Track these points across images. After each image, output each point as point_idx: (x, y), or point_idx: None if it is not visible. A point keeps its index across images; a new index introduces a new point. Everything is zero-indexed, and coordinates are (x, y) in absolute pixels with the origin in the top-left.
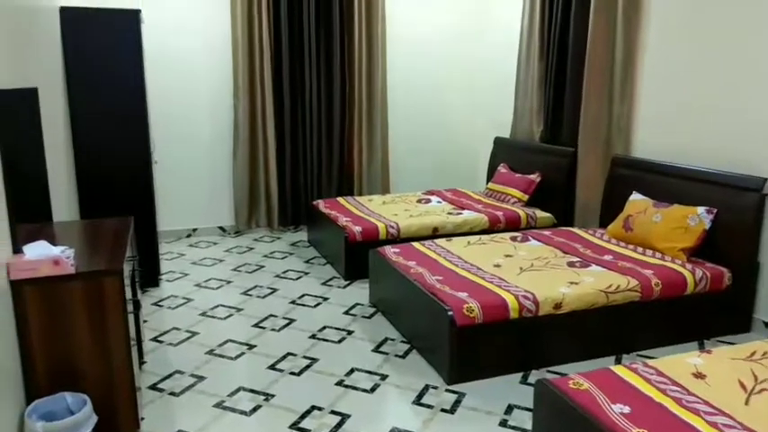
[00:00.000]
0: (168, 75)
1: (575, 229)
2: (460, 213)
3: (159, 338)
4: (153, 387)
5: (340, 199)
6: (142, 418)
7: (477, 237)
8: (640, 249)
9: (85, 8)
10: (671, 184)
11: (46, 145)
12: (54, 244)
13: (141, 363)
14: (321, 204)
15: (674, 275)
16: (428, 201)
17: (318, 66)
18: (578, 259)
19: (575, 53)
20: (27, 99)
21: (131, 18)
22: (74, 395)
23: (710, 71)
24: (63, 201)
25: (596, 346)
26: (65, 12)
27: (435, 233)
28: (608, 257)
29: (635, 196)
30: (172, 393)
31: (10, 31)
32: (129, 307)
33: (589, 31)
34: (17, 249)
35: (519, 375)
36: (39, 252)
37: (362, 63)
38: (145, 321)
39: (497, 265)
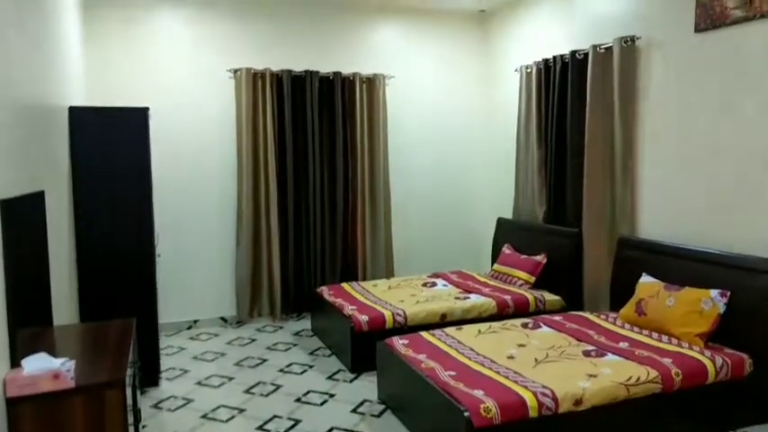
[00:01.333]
0: (173, 165)
1: (586, 314)
2: (468, 298)
3: None
4: None
5: (344, 285)
6: None
7: (488, 324)
8: (656, 335)
9: (94, 107)
10: (680, 265)
11: (50, 246)
12: (54, 352)
13: None
14: (325, 291)
15: (695, 364)
16: (434, 284)
17: (321, 152)
18: (593, 348)
19: (573, 140)
20: (34, 203)
21: (139, 116)
22: None
23: (715, 155)
24: (64, 301)
25: None
26: (73, 111)
27: (443, 320)
28: (624, 345)
29: (645, 278)
30: None
31: (21, 135)
32: (130, 417)
33: (587, 122)
34: (15, 363)
35: None
36: (38, 366)
37: (365, 148)
38: (144, 426)
39: (511, 357)
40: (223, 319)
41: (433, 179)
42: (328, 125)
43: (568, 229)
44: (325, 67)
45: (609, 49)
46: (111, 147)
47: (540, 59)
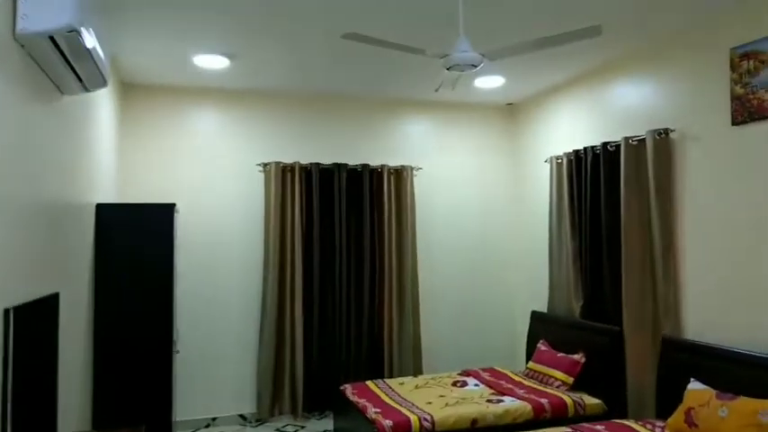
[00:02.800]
0: (199, 258)
1: (630, 422)
2: (501, 401)
3: None
4: None
5: (369, 383)
6: None
7: None
8: None
9: (120, 204)
10: (733, 371)
11: (61, 349)
12: None
13: None
14: (349, 390)
15: None
16: (464, 383)
17: (348, 243)
18: None
19: (608, 232)
20: (46, 307)
21: (166, 212)
22: None
23: (759, 249)
24: (74, 404)
25: None
26: (100, 208)
27: (474, 426)
28: None
29: (694, 385)
30: None
31: (40, 235)
32: None
33: (622, 214)
34: None
35: None
36: None
37: (392, 240)
38: None
39: None
40: (242, 416)
41: (463, 271)
42: (356, 216)
43: (608, 326)
44: (353, 159)
45: (642, 141)
46: (135, 242)
47: (571, 150)
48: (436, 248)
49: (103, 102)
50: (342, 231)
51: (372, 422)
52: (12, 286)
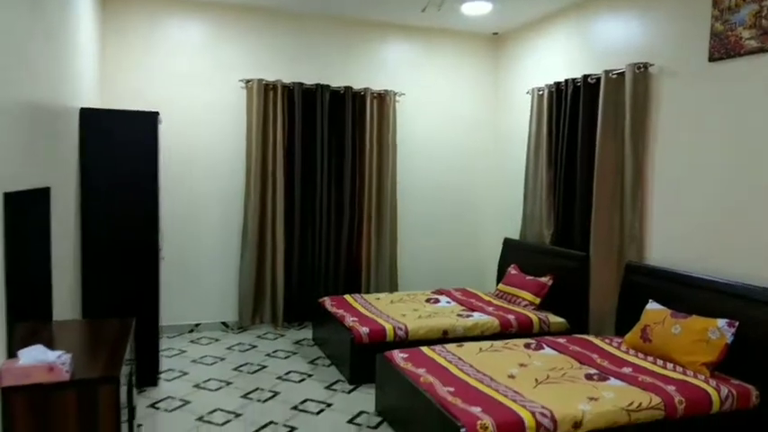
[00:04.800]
0: (181, 170)
1: (590, 338)
2: (471, 316)
3: None
4: None
5: (347, 297)
6: None
7: (489, 343)
8: (660, 362)
9: (104, 109)
10: (688, 294)
11: (53, 242)
12: (52, 347)
13: None
14: (328, 302)
15: (699, 393)
16: (437, 301)
17: (330, 165)
18: (596, 371)
19: (583, 164)
20: (39, 199)
21: (150, 120)
22: None
23: (725, 184)
24: (66, 297)
25: None
26: (84, 112)
27: (445, 336)
28: (627, 370)
29: (652, 305)
30: None
31: (29, 134)
32: (124, 415)
33: (597, 146)
34: (12, 354)
35: None
36: (34, 357)
37: (373, 163)
38: (139, 425)
39: (511, 376)
40: (225, 324)
41: (441, 196)
42: (337, 139)
43: (576, 252)
44: (336, 80)
45: (621, 74)
46: (120, 148)
47: (552, 82)
48: (415, 174)
49: (86, 9)
50: (324, 152)
51: (349, 330)
52: (8, 174)
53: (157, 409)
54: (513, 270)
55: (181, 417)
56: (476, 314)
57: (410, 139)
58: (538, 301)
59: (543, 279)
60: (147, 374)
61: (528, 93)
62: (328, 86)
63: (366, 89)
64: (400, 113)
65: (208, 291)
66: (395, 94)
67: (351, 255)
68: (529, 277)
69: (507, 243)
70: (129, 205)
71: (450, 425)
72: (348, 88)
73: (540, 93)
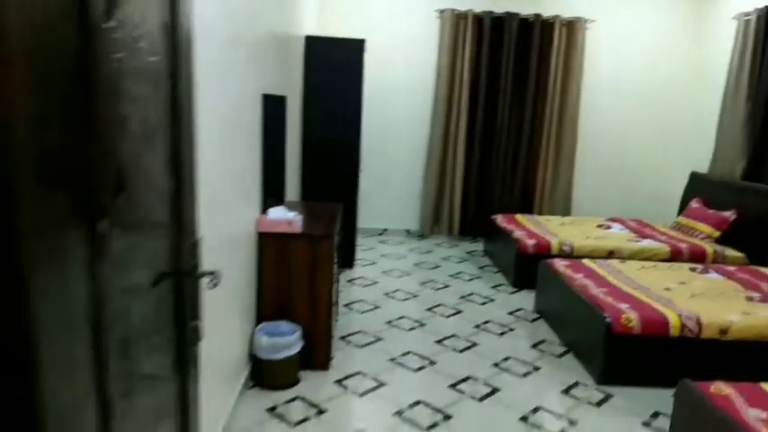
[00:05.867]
0: (377, 94)
1: (765, 270)
2: (640, 242)
3: (349, 306)
4: (342, 338)
5: (518, 216)
6: (332, 357)
7: (654, 263)
8: None
9: (322, 37)
10: None
11: (287, 140)
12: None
13: (335, 319)
14: (499, 218)
15: None
16: (609, 227)
17: (513, 89)
18: (759, 295)
19: None
20: (278, 104)
21: (357, 46)
22: (289, 324)
23: None
24: (291, 183)
25: (758, 376)
26: (308, 39)
27: (610, 257)
28: None
29: None
30: (356, 345)
31: (275, 54)
32: (334, 269)
33: None
34: (264, 211)
35: (672, 391)
36: (278, 214)
37: (557, 89)
38: (339, 291)
39: (668, 289)
40: (407, 231)
41: (626, 127)
42: (522, 67)
43: (766, 187)
44: (525, 8)
45: None
46: (334, 69)
47: (762, 6)
48: (600, 103)
49: None
50: (507, 80)
51: (516, 241)
52: (265, 82)
53: (353, 284)
54: (695, 204)
55: (371, 291)
56: (646, 240)
57: (597, 68)
58: (717, 234)
59: (726, 213)
60: (346, 260)
61: (734, 18)
62: (517, 14)
63: (555, 17)
64: (589, 41)
65: (395, 201)
66: (585, 21)
67: (526, 178)
68: (711, 211)
69: (694, 177)
70: (338, 118)
71: (597, 317)
72: (537, 16)
73: (748, 18)
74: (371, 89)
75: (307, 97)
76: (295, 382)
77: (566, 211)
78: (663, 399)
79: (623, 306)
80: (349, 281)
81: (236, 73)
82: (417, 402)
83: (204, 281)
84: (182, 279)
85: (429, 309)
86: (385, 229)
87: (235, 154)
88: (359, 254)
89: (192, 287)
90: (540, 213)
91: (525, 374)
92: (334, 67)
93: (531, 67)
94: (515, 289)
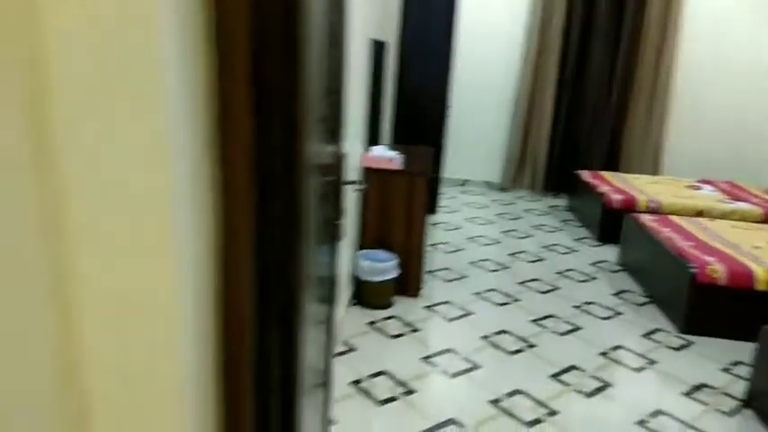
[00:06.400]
0: (469, 45)
1: None
2: (732, 204)
3: (434, 246)
4: (429, 272)
5: (605, 173)
6: (421, 287)
7: (746, 224)
8: None
9: None
10: None
11: (385, 85)
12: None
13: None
14: (585, 174)
15: None
16: (699, 188)
17: (606, 41)
18: None
19: None
20: (380, 49)
21: None
22: (386, 252)
23: None
24: (386, 129)
25: None
26: None
27: (699, 215)
28: None
29: None
30: (442, 280)
31: (378, 5)
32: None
33: None
34: (368, 149)
35: (754, 345)
36: (380, 153)
37: (652, 44)
38: None
39: (757, 247)
40: (488, 183)
41: (727, 85)
42: (617, 17)
43: None
44: None
45: None
46: (428, 16)
47: None
48: (701, 57)
49: None
50: (600, 31)
51: (602, 195)
52: (371, 28)
53: (437, 227)
54: None
55: (455, 234)
56: (739, 203)
57: (700, 16)
58: None
59: None
60: (429, 205)
61: None
62: None
63: None
64: None
65: (478, 152)
66: None
67: (614, 135)
68: None
69: None
70: (430, 66)
71: (682, 268)
72: None
73: None
74: (462, 37)
75: (404, 41)
76: (390, 303)
77: (654, 170)
78: (744, 350)
79: (709, 258)
80: (432, 224)
81: (356, 15)
82: (502, 331)
83: (349, 187)
84: (337, 184)
85: (511, 254)
86: (466, 180)
87: (352, 92)
88: (441, 201)
89: (337, 191)
90: (627, 172)
91: (606, 318)
92: (429, 14)
93: (627, 13)
94: (599, 243)
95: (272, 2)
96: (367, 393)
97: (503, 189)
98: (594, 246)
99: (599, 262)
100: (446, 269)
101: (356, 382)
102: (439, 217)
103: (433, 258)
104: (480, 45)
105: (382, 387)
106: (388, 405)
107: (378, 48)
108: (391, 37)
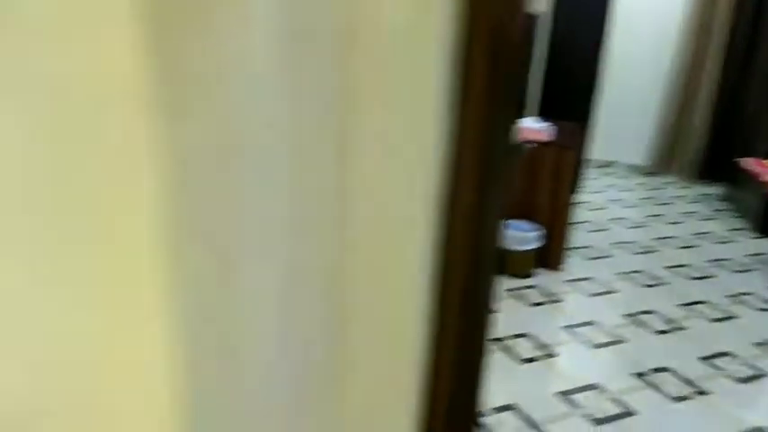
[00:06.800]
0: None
1: None
2: None
3: (577, 224)
4: (571, 249)
5: None
6: (562, 262)
7: None
8: None
9: None
10: None
11: (535, 57)
12: None
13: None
14: (747, 161)
15: None
16: None
17: None
18: None
19: None
20: (532, 20)
21: None
22: (531, 223)
23: None
24: (533, 101)
25: None
26: None
27: None
28: None
29: None
30: (584, 257)
31: None
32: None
33: None
34: (520, 120)
35: None
36: (532, 124)
37: None
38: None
39: None
40: (633, 166)
41: None
42: None
43: None
44: None
45: None
46: None
47: None
48: None
49: None
50: None
51: (764, 184)
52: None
53: (579, 206)
54: None
55: (598, 215)
56: None
57: None
58: None
59: None
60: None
61: None
62: None
63: None
64: None
65: (624, 132)
66: None
67: None
68: None
69: None
70: (584, 34)
71: None
72: None
73: None
74: (617, 7)
75: (555, 14)
76: (530, 274)
77: None
78: None
79: None
80: (575, 203)
81: None
82: (648, 311)
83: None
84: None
85: (658, 239)
86: (611, 162)
87: None
88: (585, 181)
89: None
90: None
91: (765, 310)
92: None
93: None
94: (759, 235)
95: None
96: (509, 351)
97: (649, 173)
98: (754, 238)
99: (758, 254)
100: (589, 247)
101: (498, 340)
102: (581, 196)
103: (576, 236)
104: (637, 15)
105: (524, 347)
106: (530, 364)
107: (530, 18)
108: (544, 6)
